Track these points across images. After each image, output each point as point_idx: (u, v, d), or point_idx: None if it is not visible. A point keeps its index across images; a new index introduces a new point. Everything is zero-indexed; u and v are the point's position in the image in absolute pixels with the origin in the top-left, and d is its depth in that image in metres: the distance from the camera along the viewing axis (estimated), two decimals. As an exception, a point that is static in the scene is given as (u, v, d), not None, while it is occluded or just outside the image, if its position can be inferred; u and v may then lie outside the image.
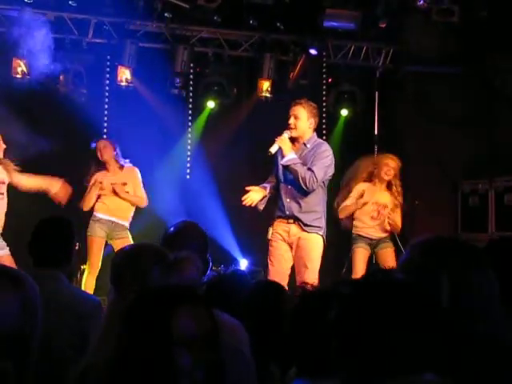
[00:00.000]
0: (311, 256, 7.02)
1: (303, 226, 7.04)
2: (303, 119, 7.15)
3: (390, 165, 8.78)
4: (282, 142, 7.05)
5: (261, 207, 7.30)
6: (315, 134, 7.35)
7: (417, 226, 10.76)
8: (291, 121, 7.14)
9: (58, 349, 3.85)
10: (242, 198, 7.19)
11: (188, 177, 11.12)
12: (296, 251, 7.06)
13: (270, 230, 7.22)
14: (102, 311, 4.18)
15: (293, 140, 7.15)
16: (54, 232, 4.21)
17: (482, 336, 2.02)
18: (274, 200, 7.30)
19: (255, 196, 7.18)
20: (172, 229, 3.94)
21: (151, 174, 10.17)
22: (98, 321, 4.02)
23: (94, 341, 3.88)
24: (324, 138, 10.82)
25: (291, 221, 7.09)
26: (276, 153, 7.14)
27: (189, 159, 11.15)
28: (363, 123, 11.47)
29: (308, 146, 7.15)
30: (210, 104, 11.04)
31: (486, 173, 10.70)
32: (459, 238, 2.34)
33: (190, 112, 11.14)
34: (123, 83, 10.44)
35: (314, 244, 7.05)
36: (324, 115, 11.25)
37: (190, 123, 11.15)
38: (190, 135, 11.18)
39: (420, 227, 10.42)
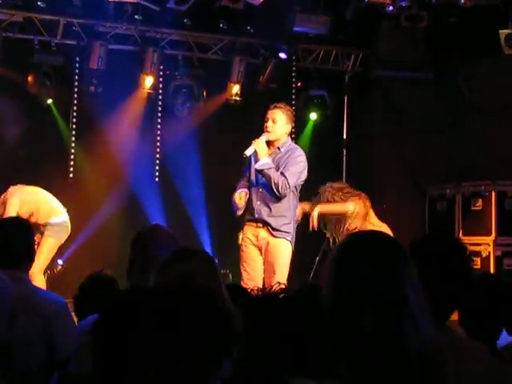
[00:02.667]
0: (279, 261, 6.99)
1: (272, 230, 7.00)
2: (281, 123, 7.13)
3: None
4: (259, 146, 7.02)
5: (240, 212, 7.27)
6: (289, 138, 7.37)
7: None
8: (269, 124, 7.10)
9: (28, 349, 3.82)
10: (239, 207, 7.13)
11: (157, 179, 11.08)
12: (265, 255, 7.04)
13: (240, 235, 7.20)
14: (68, 312, 4.15)
15: (268, 143, 7.12)
16: (14, 232, 4.19)
17: (376, 335, 1.98)
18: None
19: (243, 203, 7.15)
20: (140, 233, 3.92)
21: (120, 177, 10.17)
22: (64, 321, 4.00)
23: (60, 341, 3.88)
24: (293, 141, 10.86)
25: (260, 224, 7.06)
26: (250, 155, 7.13)
27: (158, 162, 11.11)
28: (332, 127, 11.52)
29: (282, 150, 7.13)
30: (181, 112, 11.07)
31: (453, 178, 10.78)
32: (381, 235, 2.24)
33: (160, 115, 11.10)
34: (92, 85, 10.38)
35: (282, 249, 7.02)
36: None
37: (159, 126, 11.11)
38: (158, 138, 11.13)
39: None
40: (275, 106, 7.23)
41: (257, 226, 7.08)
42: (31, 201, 8.36)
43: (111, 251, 9.39)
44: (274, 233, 7.01)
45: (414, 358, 1.95)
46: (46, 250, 8.31)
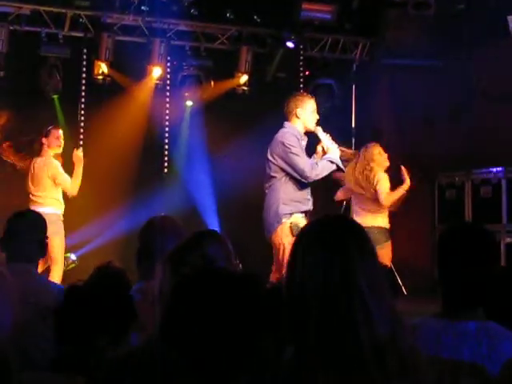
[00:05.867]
0: None
1: None
2: None
3: (382, 153, 8.65)
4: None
5: None
6: None
7: (394, 219, 10.80)
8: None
9: (34, 342, 3.84)
10: None
11: (166, 170, 11.10)
12: None
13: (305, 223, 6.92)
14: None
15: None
16: (28, 227, 4.19)
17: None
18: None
19: None
20: (149, 223, 3.93)
21: (128, 169, 10.18)
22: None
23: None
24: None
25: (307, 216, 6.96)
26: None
27: (166, 153, 11.13)
28: (340, 116, 11.50)
29: None
30: (189, 102, 11.09)
31: (462, 165, 10.75)
32: (339, 221, 2.18)
33: (168, 105, 11.11)
34: (100, 77, 10.40)
35: None
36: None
37: (167, 116, 11.12)
38: (167, 128, 11.14)
39: (397, 220, 10.46)
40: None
41: (306, 217, 6.92)
42: None
43: (120, 243, 9.42)
44: None
45: (368, 349, 1.92)
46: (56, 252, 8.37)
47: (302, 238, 2.10)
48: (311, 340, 1.92)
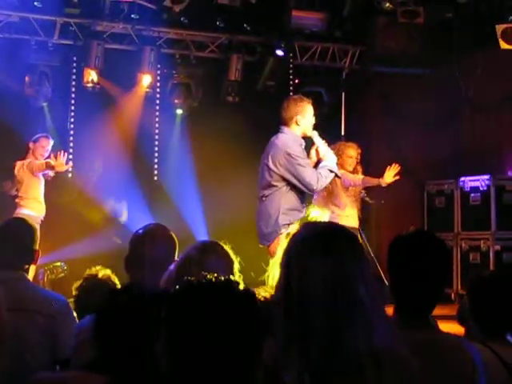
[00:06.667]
0: None
1: None
2: None
3: (353, 155, 8.75)
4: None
5: None
6: None
7: (382, 225, 10.84)
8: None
9: (27, 348, 3.83)
10: None
11: (156, 178, 11.10)
12: None
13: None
14: (70, 310, 4.15)
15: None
16: (18, 235, 4.18)
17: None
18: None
19: None
20: (140, 231, 3.92)
21: (119, 175, 10.18)
22: (65, 320, 4.01)
23: (62, 340, 3.89)
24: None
25: None
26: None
27: (156, 160, 11.13)
28: (330, 124, 11.52)
29: None
30: (179, 111, 11.11)
31: (451, 173, 10.79)
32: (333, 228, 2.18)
33: (157, 113, 11.12)
34: (89, 85, 10.40)
35: None
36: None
37: (157, 124, 11.12)
38: (157, 136, 11.15)
39: (386, 227, 10.50)
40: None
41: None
42: None
43: (111, 250, 9.40)
44: None
45: (366, 355, 1.90)
46: None
47: (296, 244, 2.07)
48: (311, 347, 1.90)
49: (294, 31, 10.75)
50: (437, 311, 2.84)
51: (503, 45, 9.85)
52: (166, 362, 1.87)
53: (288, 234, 6.62)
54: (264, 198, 6.77)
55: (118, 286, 4.41)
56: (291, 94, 11.32)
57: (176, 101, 11.01)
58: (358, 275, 1.97)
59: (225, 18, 10.69)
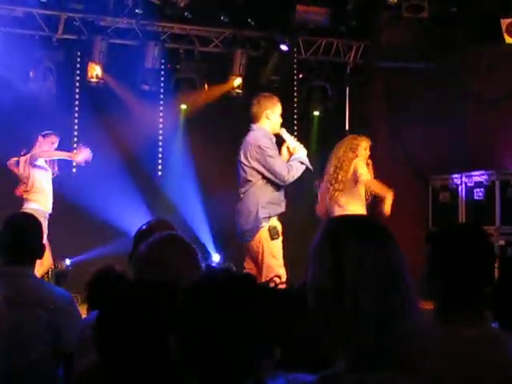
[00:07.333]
0: None
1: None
2: None
3: (367, 147, 8.57)
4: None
5: None
6: None
7: (387, 222, 10.81)
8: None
9: (31, 343, 3.83)
10: None
11: (160, 173, 11.10)
12: None
13: (280, 226, 6.94)
14: (75, 305, 4.15)
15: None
16: (25, 230, 4.17)
17: None
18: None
19: None
20: (144, 226, 3.92)
21: (123, 171, 10.18)
22: (70, 315, 4.00)
23: (66, 335, 3.89)
24: (295, 133, 10.88)
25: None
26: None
27: (160, 156, 11.13)
28: (334, 118, 11.52)
29: None
30: (183, 106, 11.10)
31: (455, 168, 10.77)
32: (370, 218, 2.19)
33: (161, 108, 11.11)
34: (94, 80, 10.39)
35: None
36: (295, 111, 11.31)
37: (161, 119, 11.12)
38: (160, 131, 11.14)
39: (390, 223, 10.48)
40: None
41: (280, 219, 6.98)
42: None
43: (116, 246, 9.41)
44: None
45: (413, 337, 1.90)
46: None
47: (345, 231, 2.01)
48: (366, 333, 1.88)
49: (299, 26, 10.74)
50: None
51: (508, 39, 9.84)
52: (179, 353, 1.92)
53: (269, 227, 6.72)
54: (242, 195, 6.93)
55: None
56: (295, 88, 11.35)
57: (180, 96, 10.99)
58: (404, 262, 1.99)
59: (229, 13, 10.68)
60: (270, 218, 6.80)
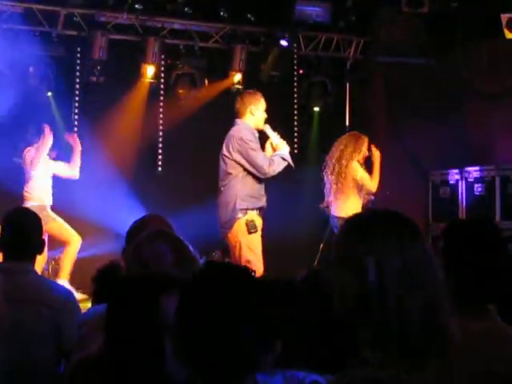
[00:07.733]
0: None
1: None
2: None
3: (366, 150, 8.65)
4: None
5: None
6: None
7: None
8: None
9: (31, 340, 3.84)
10: None
11: (160, 169, 11.09)
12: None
13: (260, 220, 7.04)
14: (75, 302, 4.15)
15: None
16: (24, 226, 4.17)
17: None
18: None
19: None
20: (137, 222, 3.92)
21: (123, 166, 10.18)
22: (71, 311, 4.01)
23: (67, 331, 3.89)
24: (296, 128, 10.88)
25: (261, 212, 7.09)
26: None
27: (160, 151, 11.11)
28: (334, 114, 11.52)
29: None
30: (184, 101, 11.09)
31: (456, 163, 10.77)
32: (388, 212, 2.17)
33: (162, 104, 11.10)
34: (93, 75, 10.38)
35: None
36: (295, 106, 11.30)
37: (161, 115, 11.10)
38: (161, 127, 11.13)
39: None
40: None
41: (260, 214, 7.06)
42: None
43: (113, 241, 9.41)
44: None
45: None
46: None
47: (376, 231, 2.03)
48: (411, 331, 1.87)
49: (298, 21, 10.74)
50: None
51: (508, 34, 9.83)
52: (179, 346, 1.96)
53: (246, 220, 6.78)
54: (222, 188, 7.08)
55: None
56: (295, 84, 11.34)
57: (180, 91, 10.98)
58: (435, 258, 2.00)
59: (229, 9, 10.67)
60: (247, 210, 6.91)
